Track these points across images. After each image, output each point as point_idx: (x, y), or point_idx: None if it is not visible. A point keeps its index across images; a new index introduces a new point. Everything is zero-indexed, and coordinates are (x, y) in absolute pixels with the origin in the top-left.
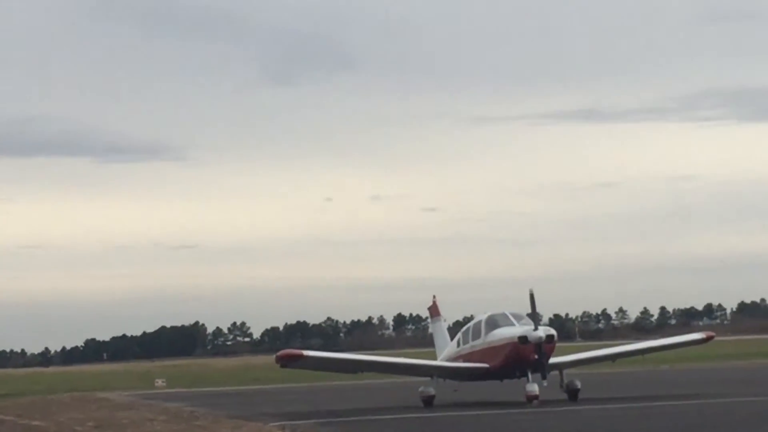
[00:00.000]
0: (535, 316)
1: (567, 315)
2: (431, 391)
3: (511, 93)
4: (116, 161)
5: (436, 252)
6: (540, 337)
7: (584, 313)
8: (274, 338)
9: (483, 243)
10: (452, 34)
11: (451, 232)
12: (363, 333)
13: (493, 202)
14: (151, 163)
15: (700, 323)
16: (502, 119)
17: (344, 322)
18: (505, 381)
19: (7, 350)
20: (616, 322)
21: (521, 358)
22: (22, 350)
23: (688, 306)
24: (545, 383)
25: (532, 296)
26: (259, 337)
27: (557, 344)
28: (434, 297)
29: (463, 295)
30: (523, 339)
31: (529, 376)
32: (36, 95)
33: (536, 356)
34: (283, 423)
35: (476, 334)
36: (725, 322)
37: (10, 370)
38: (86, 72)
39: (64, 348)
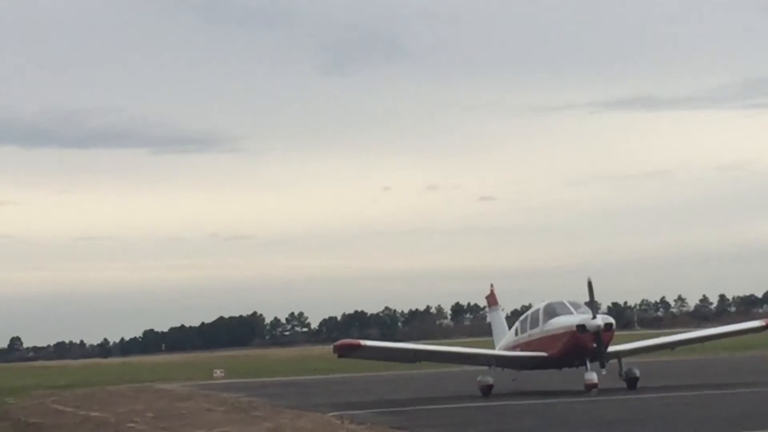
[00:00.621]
0: (593, 305)
1: (626, 303)
2: (489, 380)
3: (566, 81)
4: (172, 152)
5: (493, 241)
6: (598, 326)
7: (643, 301)
8: (331, 328)
9: (540, 232)
10: (506, 23)
11: (508, 221)
12: (421, 322)
13: (550, 190)
14: (207, 154)
15: (760, 310)
16: (557, 108)
17: (402, 312)
18: (564, 370)
19: (66, 341)
20: (675, 310)
21: (580, 347)
22: (81, 341)
23: (747, 293)
24: (604, 372)
25: (590, 284)
26: (316, 327)
27: (616, 333)
28: (492, 286)
29: (520, 283)
30: (581, 327)
31: (588, 364)
32: (92, 87)
33: (595, 345)
34: (341, 413)
35: (534, 322)
36: None
37: (69, 362)
38: (142, 63)
39: (122, 339)
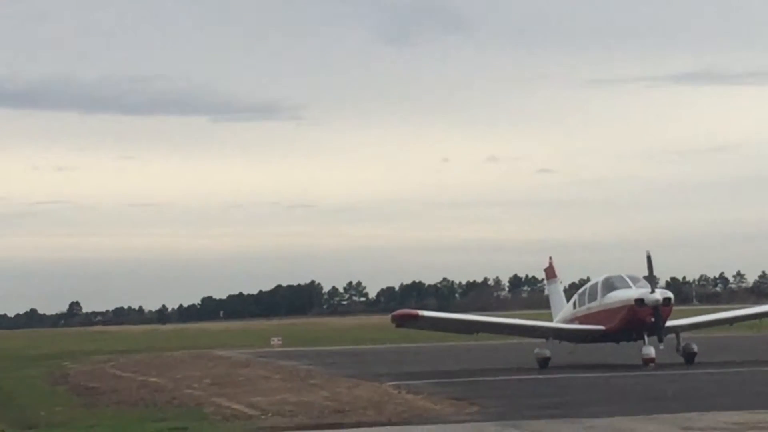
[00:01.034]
0: (652, 279)
1: (684, 278)
2: (547, 352)
3: (628, 54)
4: (233, 120)
5: (552, 213)
6: (657, 300)
7: (702, 276)
8: (389, 298)
9: (599, 205)
10: None
11: (567, 193)
12: (478, 294)
13: (610, 164)
14: (267, 123)
15: None
16: (619, 81)
17: (459, 283)
18: (621, 344)
19: (125, 307)
20: (733, 286)
21: (638, 321)
22: (140, 307)
23: None
24: (661, 346)
25: (649, 258)
26: (374, 297)
27: (674, 308)
28: (550, 258)
29: (579, 257)
30: (639, 302)
31: (646, 338)
32: (153, 53)
33: (653, 319)
34: (398, 382)
35: (593, 296)
36: None
37: (128, 327)
38: (203, 31)
39: (180, 306)
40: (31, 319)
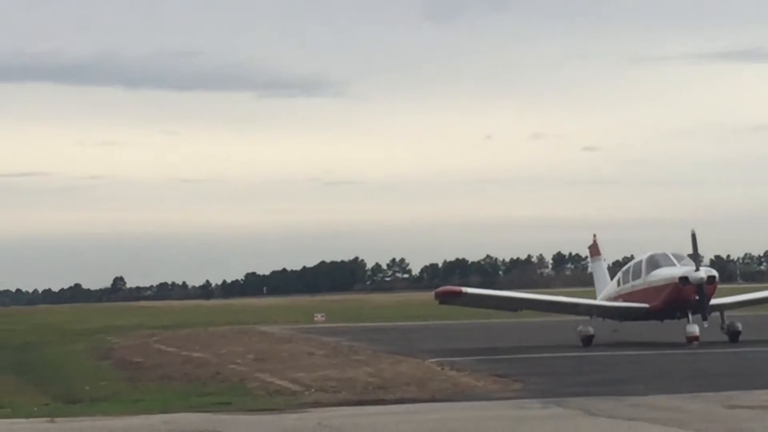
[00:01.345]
0: (696, 257)
1: (728, 256)
2: (590, 330)
3: (673, 32)
4: (276, 96)
5: (596, 191)
6: (701, 278)
7: (746, 254)
8: (432, 275)
9: (643, 183)
10: None
11: (612, 171)
12: (522, 271)
13: (654, 141)
14: (311, 99)
15: None
16: (663, 59)
17: (503, 260)
18: (665, 322)
19: (169, 282)
20: None
21: (682, 299)
22: (184, 283)
23: None
24: (706, 324)
25: (693, 236)
26: (417, 274)
27: (718, 286)
28: (595, 236)
29: (623, 234)
30: (684, 279)
31: (690, 317)
32: (198, 29)
33: (697, 297)
34: (441, 359)
35: (636, 273)
36: None
37: (172, 302)
38: (248, 7)
39: (224, 281)
40: (76, 293)
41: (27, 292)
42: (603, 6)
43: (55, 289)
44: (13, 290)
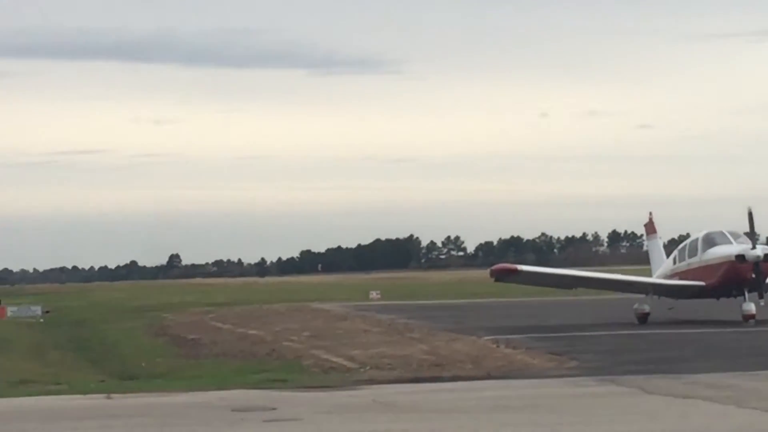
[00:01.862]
0: (753, 235)
1: None
2: (646, 308)
3: (730, 9)
4: (334, 73)
5: (651, 169)
6: (758, 256)
7: None
8: (487, 253)
9: (699, 160)
10: None
11: (668, 148)
12: (577, 249)
13: (711, 119)
14: (368, 76)
15: None
16: (720, 36)
17: (558, 238)
18: (721, 300)
19: (225, 260)
20: None
21: (738, 277)
22: (239, 260)
23: None
24: (762, 302)
25: (750, 215)
26: (472, 252)
27: None
28: (650, 214)
29: (678, 212)
30: (740, 257)
31: (746, 295)
32: (254, 6)
33: (753, 275)
34: (496, 337)
35: (692, 251)
36: None
37: (227, 280)
38: None
39: (279, 259)
40: (132, 271)
41: (83, 269)
42: None
43: (112, 266)
44: (70, 267)
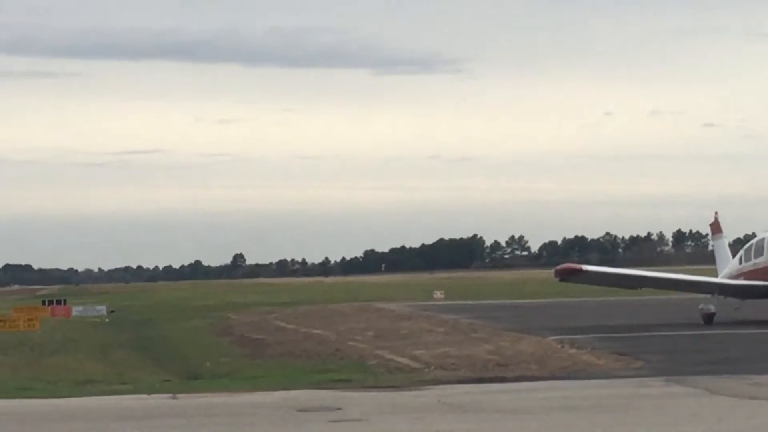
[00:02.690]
0: None
1: None
2: (712, 308)
3: None
4: (393, 73)
5: (716, 168)
6: None
7: None
8: (551, 252)
9: (765, 159)
10: None
11: (732, 148)
12: (641, 249)
13: None
14: (429, 76)
15: None
16: None
17: (623, 238)
18: None
19: (289, 259)
20: None
21: None
22: (303, 260)
23: None
24: None
25: None
26: (536, 251)
27: None
28: (716, 213)
29: (744, 211)
30: None
31: None
32: (316, 6)
33: None
34: (561, 337)
35: (759, 251)
36: None
37: (291, 279)
38: None
39: (343, 258)
40: (196, 270)
41: (148, 269)
42: None
43: (176, 265)
44: (134, 267)
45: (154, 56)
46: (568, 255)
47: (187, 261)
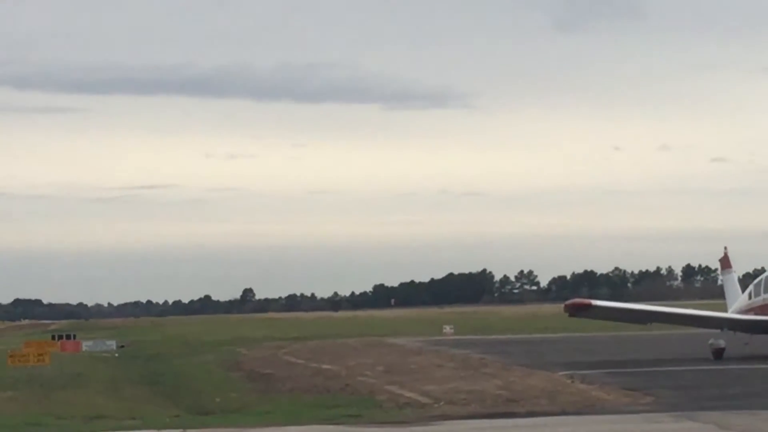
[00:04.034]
0: None
1: None
2: (721, 343)
3: None
4: (404, 108)
5: (726, 203)
6: None
7: None
8: (561, 287)
9: None
10: None
11: (742, 182)
12: (651, 283)
13: None
14: (438, 111)
15: None
16: None
17: (632, 272)
18: None
19: (298, 294)
20: None
21: None
22: (312, 294)
23: None
24: None
25: None
26: (546, 286)
27: None
28: (725, 248)
29: (754, 246)
30: None
31: None
32: (326, 42)
33: None
34: (571, 372)
35: None
36: None
37: (300, 314)
38: (374, 18)
39: (352, 293)
40: (205, 305)
41: (158, 303)
42: (733, 16)
43: (185, 300)
44: (144, 302)
45: (164, 91)
46: (578, 290)
47: (197, 296)
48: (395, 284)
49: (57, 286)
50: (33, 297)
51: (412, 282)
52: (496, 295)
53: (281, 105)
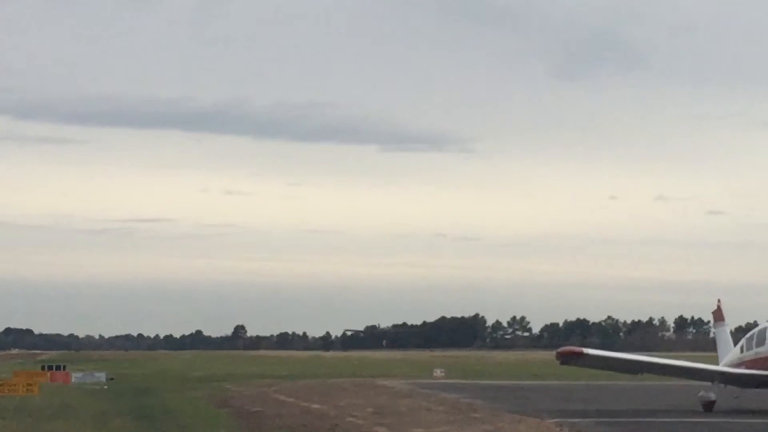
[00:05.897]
0: None
1: None
2: (712, 396)
3: None
4: (401, 150)
5: (720, 255)
6: None
7: None
8: (552, 334)
9: None
10: (745, 36)
11: (737, 236)
12: (643, 333)
13: None
14: (436, 154)
15: None
16: None
17: (624, 322)
18: None
19: (289, 332)
20: None
21: None
22: (304, 333)
23: None
24: None
25: None
26: (538, 333)
27: None
28: (719, 301)
29: (746, 300)
30: None
31: None
32: (324, 82)
33: None
34: (561, 420)
35: (761, 340)
36: None
37: (292, 352)
38: (373, 61)
39: (344, 333)
40: (197, 340)
41: (149, 337)
42: (731, 69)
43: (177, 335)
44: (135, 335)
45: (162, 125)
46: (570, 337)
47: (188, 331)
48: (388, 325)
49: (48, 316)
50: (24, 326)
51: (405, 324)
52: (487, 340)
53: (279, 143)
